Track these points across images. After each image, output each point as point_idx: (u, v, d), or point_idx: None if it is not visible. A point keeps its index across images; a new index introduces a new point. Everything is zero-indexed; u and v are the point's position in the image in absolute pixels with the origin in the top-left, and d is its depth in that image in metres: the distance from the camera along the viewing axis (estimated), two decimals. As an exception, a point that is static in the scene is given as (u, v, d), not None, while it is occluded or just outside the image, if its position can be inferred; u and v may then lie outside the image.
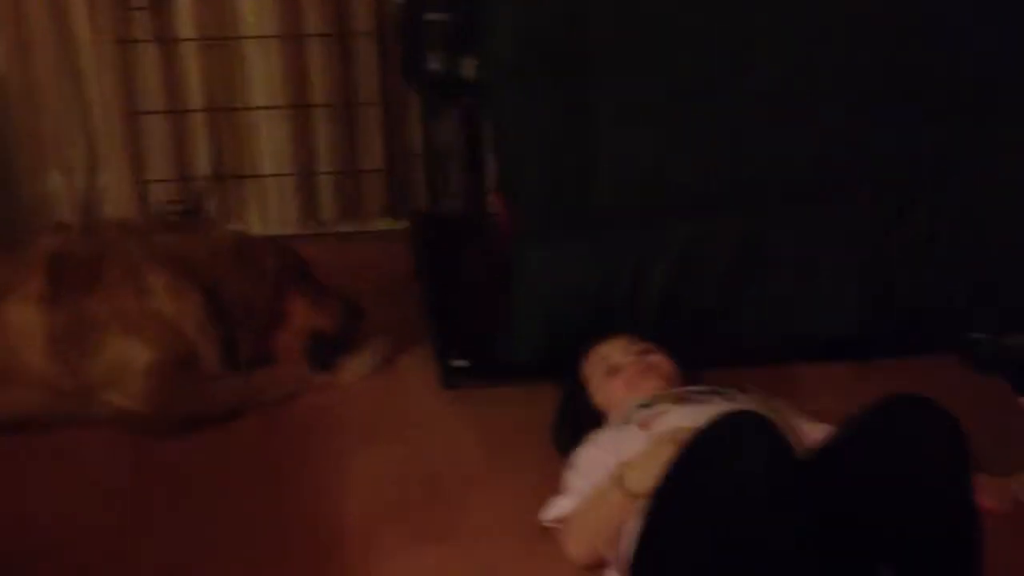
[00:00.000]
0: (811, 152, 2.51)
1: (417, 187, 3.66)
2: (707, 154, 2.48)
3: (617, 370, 2.33)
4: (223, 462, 2.45)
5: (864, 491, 1.74)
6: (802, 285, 2.61)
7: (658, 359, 2.35)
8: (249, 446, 2.52)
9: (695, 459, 1.75)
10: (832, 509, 1.71)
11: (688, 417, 2.00)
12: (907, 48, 2.46)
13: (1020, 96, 2.55)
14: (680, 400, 2.17)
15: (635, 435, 2.08)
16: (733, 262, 2.57)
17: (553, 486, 2.17)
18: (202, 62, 3.49)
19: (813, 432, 2.13)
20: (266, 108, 3.55)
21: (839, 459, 1.81)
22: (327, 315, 2.81)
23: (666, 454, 1.84)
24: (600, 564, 2.01)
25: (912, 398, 1.83)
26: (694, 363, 2.41)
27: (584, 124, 2.42)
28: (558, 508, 2.12)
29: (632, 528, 1.87)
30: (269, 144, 3.60)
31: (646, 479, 1.86)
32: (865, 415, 1.83)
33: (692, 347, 2.46)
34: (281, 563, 2.11)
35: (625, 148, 2.45)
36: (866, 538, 1.71)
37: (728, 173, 2.50)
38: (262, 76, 3.53)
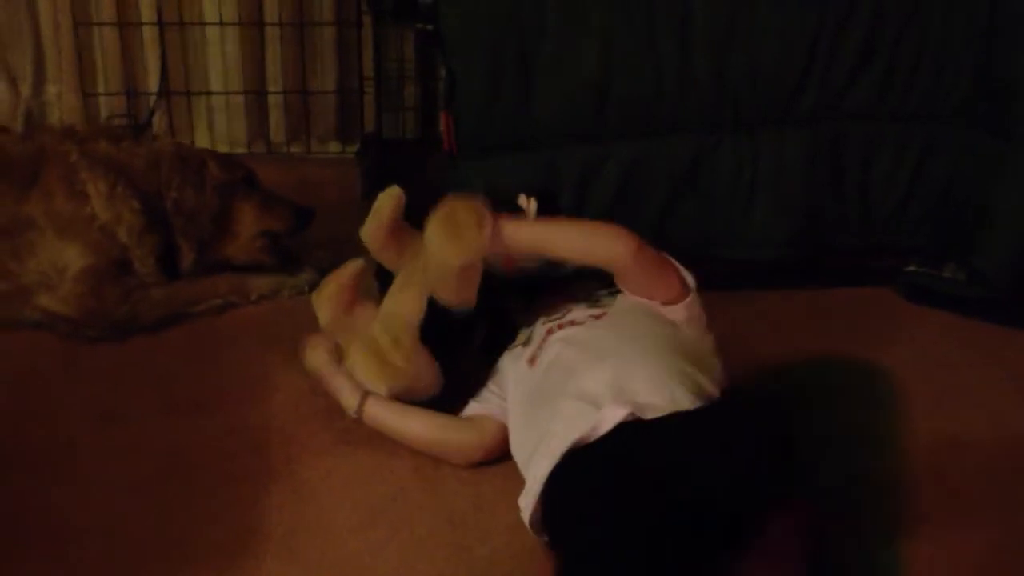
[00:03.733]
0: (752, 77, 2.51)
1: (368, 110, 3.63)
2: (648, 73, 2.47)
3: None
4: (152, 368, 2.44)
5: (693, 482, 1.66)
6: (738, 211, 2.60)
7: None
8: (179, 353, 2.50)
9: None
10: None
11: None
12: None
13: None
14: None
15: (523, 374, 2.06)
16: (671, 185, 2.56)
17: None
18: (154, -26, 3.44)
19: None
20: (218, 24, 3.50)
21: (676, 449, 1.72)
22: (277, 217, 2.80)
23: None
24: None
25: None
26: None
27: (525, 36, 2.41)
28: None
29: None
30: (219, 61, 3.56)
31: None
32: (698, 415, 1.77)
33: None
34: (208, 466, 2.09)
35: (566, 62, 2.43)
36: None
37: (668, 94, 2.49)
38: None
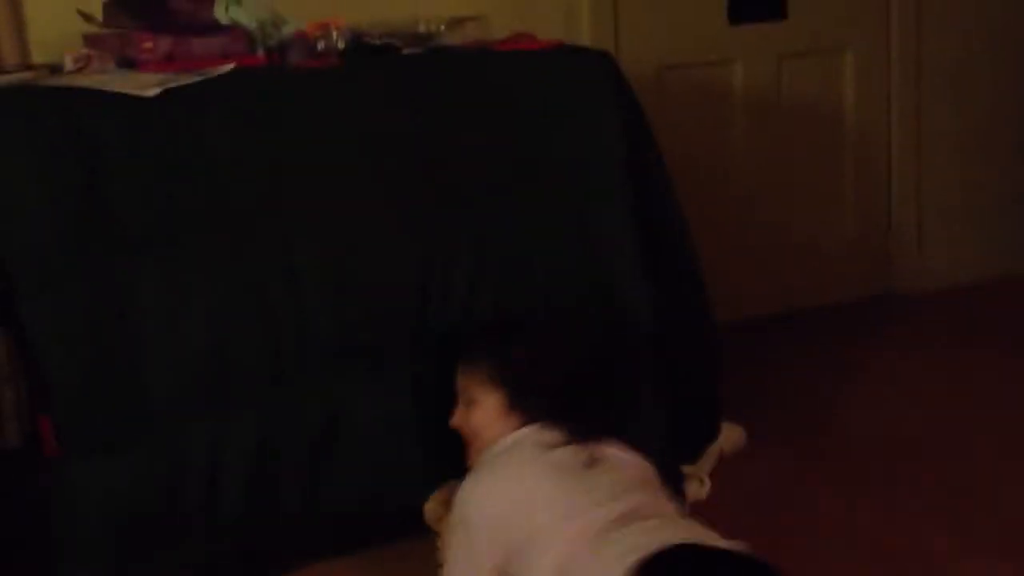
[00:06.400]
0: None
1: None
2: (262, 329, 2.29)
3: None
4: None
5: None
6: (378, 453, 2.42)
7: None
8: None
9: None
10: None
11: None
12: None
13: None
14: None
15: None
16: (313, 439, 2.35)
17: None
18: None
19: None
20: None
21: None
22: None
23: None
24: None
25: None
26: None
27: (122, 321, 2.18)
28: None
29: None
30: None
31: None
32: None
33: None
34: None
35: (173, 337, 2.22)
36: None
37: (286, 350, 2.32)
38: None
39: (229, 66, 2.37)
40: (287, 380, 2.33)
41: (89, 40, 2.63)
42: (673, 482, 2.43)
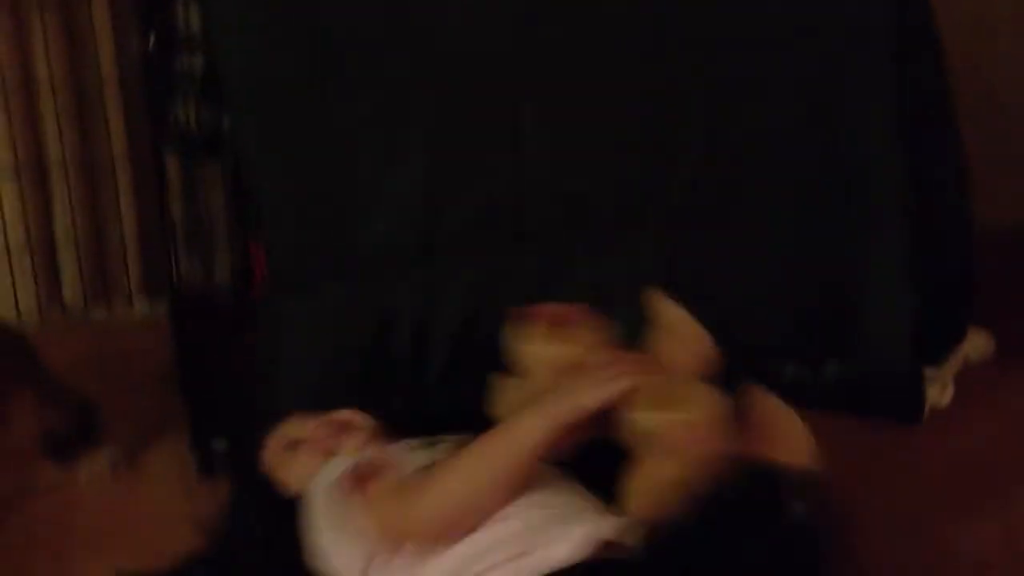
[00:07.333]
0: (591, 185, 2.27)
1: (178, 260, 3.23)
2: (480, 185, 2.21)
3: (299, 442, 1.87)
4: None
5: None
6: None
7: (350, 414, 1.91)
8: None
9: None
10: None
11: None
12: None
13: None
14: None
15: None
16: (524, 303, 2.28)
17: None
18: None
19: None
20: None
21: None
22: (58, 412, 2.40)
23: None
24: None
25: None
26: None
27: (340, 154, 2.13)
28: None
29: None
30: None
31: None
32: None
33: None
34: None
35: (389, 179, 2.16)
36: None
37: (505, 207, 2.23)
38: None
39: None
40: (500, 246, 2.26)
41: None
42: (914, 384, 2.26)
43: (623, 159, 2.27)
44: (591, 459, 1.62)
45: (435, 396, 2.22)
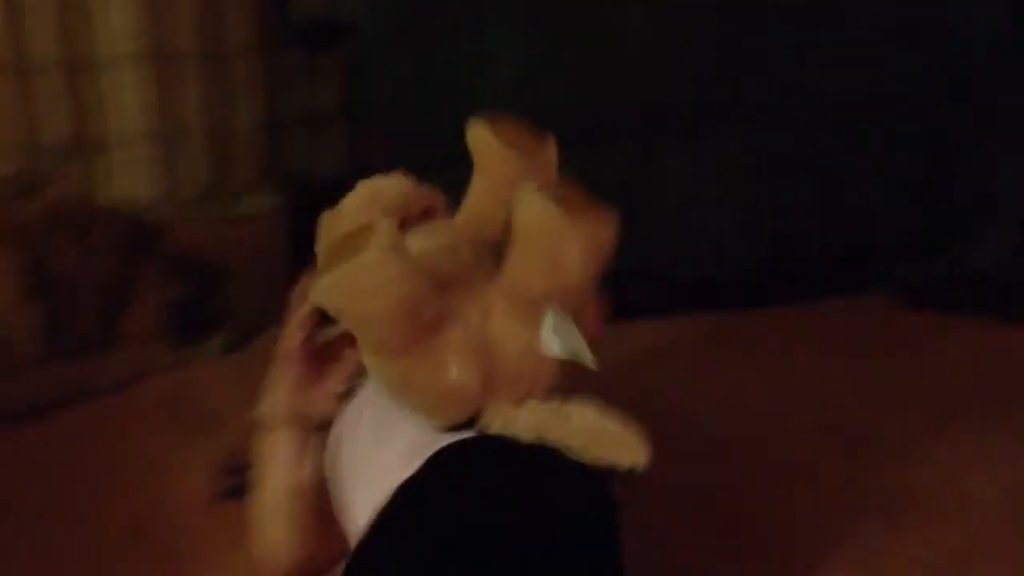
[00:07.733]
0: (688, 74, 2.34)
1: (299, 152, 3.28)
2: (577, 76, 2.27)
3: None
4: (45, 456, 2.06)
5: None
6: (687, 223, 2.31)
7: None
8: (75, 438, 2.13)
9: None
10: None
11: None
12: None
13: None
14: None
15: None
16: (612, 199, 2.27)
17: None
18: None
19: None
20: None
21: None
22: (183, 284, 2.47)
23: None
24: None
25: None
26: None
27: (450, 43, 2.24)
28: None
29: None
30: (123, 105, 3.17)
31: None
32: None
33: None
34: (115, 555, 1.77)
35: (489, 68, 2.24)
36: None
37: (614, 101, 2.30)
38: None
39: None
40: (594, 130, 2.27)
41: None
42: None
43: (720, 57, 2.33)
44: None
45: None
